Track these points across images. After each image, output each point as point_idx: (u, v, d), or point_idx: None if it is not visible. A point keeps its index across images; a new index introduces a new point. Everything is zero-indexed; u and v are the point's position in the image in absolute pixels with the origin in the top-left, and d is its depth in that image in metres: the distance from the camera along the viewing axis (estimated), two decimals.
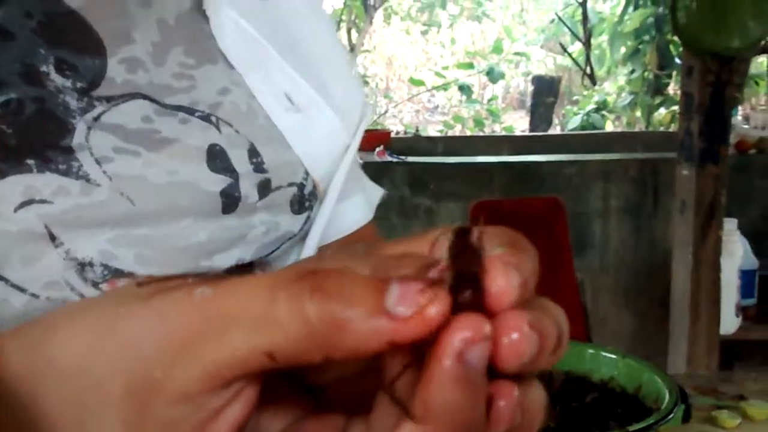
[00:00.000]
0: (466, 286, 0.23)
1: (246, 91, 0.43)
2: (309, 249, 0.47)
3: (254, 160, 0.42)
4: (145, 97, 0.38)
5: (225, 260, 0.41)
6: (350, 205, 0.52)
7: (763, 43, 4.23)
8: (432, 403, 0.21)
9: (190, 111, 0.40)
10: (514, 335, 0.21)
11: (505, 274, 0.22)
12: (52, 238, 0.35)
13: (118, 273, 0.37)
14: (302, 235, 0.47)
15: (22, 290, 0.35)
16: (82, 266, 0.36)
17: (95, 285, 0.36)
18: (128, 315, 0.23)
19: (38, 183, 0.35)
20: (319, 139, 0.46)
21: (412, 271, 0.23)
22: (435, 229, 0.25)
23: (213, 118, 0.40)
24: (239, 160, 0.41)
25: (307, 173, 0.45)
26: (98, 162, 0.36)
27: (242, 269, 0.43)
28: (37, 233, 0.35)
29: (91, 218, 0.36)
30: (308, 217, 0.46)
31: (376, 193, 0.56)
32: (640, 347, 2.91)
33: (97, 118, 0.37)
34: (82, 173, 0.36)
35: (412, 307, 0.21)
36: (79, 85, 0.37)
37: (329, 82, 0.48)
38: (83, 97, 0.37)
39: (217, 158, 0.40)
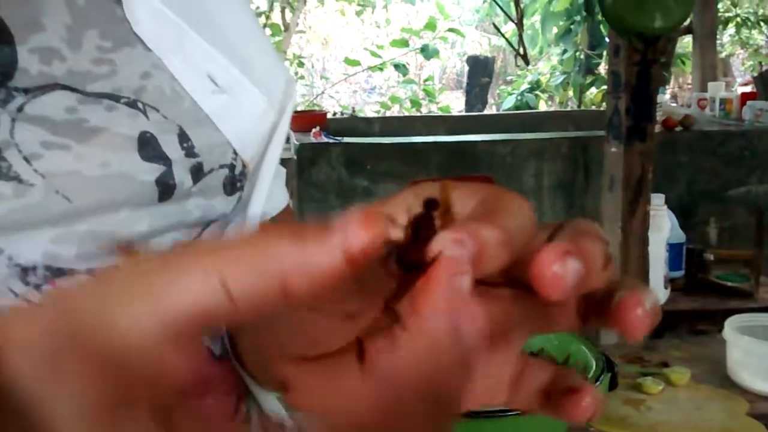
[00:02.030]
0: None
1: (168, 74, 0.42)
2: (251, 229, 0.47)
3: (185, 145, 0.41)
4: (64, 87, 0.37)
5: (162, 245, 0.41)
6: (275, 187, 0.52)
7: (687, 23, 4.36)
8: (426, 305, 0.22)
9: (114, 98, 0.39)
10: (556, 267, 0.23)
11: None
12: None
13: (59, 272, 0.36)
14: (233, 216, 0.46)
15: None
16: (25, 271, 0.35)
17: (37, 287, 0.36)
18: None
19: None
20: (245, 119, 0.46)
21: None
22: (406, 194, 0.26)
23: (139, 104, 0.39)
24: (170, 146, 0.40)
25: (236, 153, 0.45)
26: (27, 160, 0.35)
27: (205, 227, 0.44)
28: None
29: (28, 220, 0.35)
30: (239, 198, 0.46)
31: (282, 172, 0.56)
32: None
33: (20, 109, 0.35)
34: (13, 173, 0.34)
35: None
36: None
37: (250, 59, 0.47)
38: (0, 88, 0.35)
39: (148, 146, 0.39)
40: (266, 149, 0.48)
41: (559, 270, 0.23)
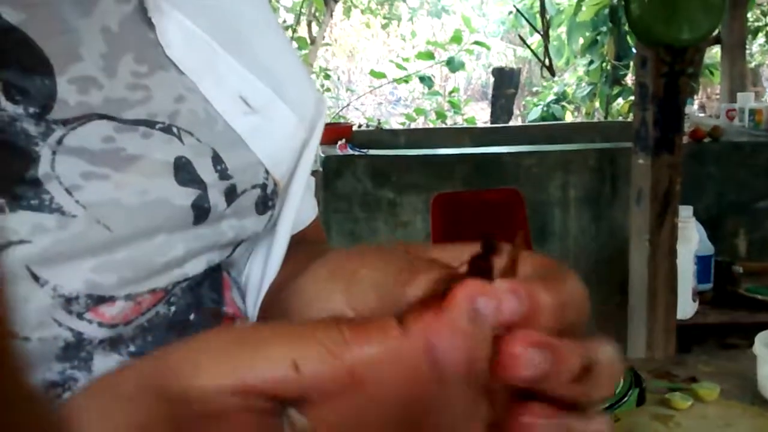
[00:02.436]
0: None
1: (201, 96, 0.42)
2: (280, 246, 0.48)
3: (218, 168, 0.41)
4: (101, 116, 0.37)
5: (197, 266, 0.42)
6: (304, 202, 0.53)
7: (715, 33, 4.31)
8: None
9: (150, 124, 0.39)
10: (518, 348, 0.24)
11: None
12: (36, 278, 0.35)
13: (100, 299, 0.37)
14: (264, 234, 0.47)
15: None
16: (69, 300, 0.36)
17: (80, 316, 0.36)
18: None
19: (13, 223, 0.34)
20: (277, 138, 0.46)
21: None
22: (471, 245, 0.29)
23: (174, 129, 0.40)
24: (205, 170, 0.41)
25: (267, 173, 0.45)
26: (68, 191, 0.35)
27: (213, 270, 0.44)
28: (20, 276, 0.34)
29: (71, 251, 0.35)
30: (271, 216, 0.46)
31: (312, 183, 0.56)
32: (601, 333, 2.96)
33: (60, 141, 0.36)
34: (55, 205, 0.35)
35: None
36: (31, 110, 0.35)
37: (281, 77, 0.47)
38: (40, 122, 0.36)
39: (183, 170, 0.39)
40: (296, 167, 0.48)
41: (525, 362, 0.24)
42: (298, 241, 0.50)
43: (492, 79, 7.00)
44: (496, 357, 0.24)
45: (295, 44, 6.02)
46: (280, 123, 0.46)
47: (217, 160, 0.41)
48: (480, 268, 0.25)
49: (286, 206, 0.48)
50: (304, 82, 0.51)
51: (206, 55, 0.43)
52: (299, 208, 0.49)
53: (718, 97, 6.16)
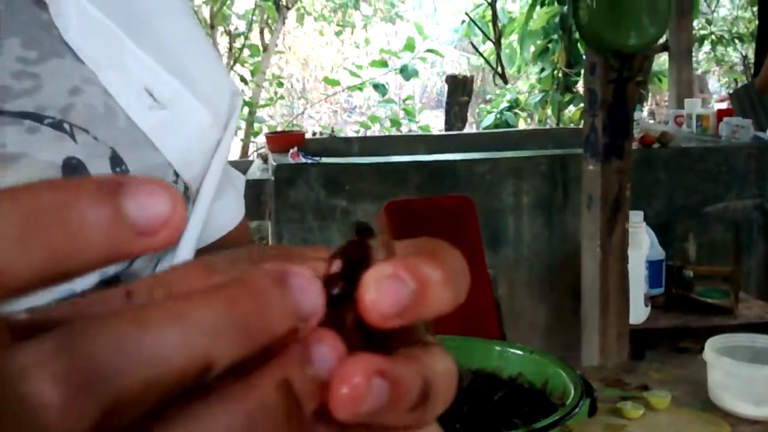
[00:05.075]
0: (339, 282, 0.20)
1: (101, 88, 0.38)
2: (184, 253, 0.43)
3: (118, 170, 0.37)
4: None
5: (87, 281, 0.37)
6: (223, 204, 0.48)
7: (663, 41, 4.38)
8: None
9: (37, 118, 0.34)
10: (348, 385, 0.18)
11: (380, 288, 0.19)
12: None
13: None
14: (162, 257, 0.43)
15: None
16: None
17: None
18: None
19: None
20: (187, 136, 0.42)
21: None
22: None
23: (66, 126, 0.35)
24: (101, 172, 0.36)
25: (177, 175, 0.41)
26: None
27: (109, 284, 0.40)
28: None
29: None
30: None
31: (240, 183, 0.52)
32: (555, 339, 2.97)
33: None
34: None
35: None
36: None
37: (192, 70, 0.43)
38: None
39: (75, 173, 0.35)
40: (208, 168, 0.44)
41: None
42: (219, 247, 0.46)
43: (446, 88, 7.03)
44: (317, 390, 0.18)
45: (246, 51, 5.97)
46: (191, 119, 0.42)
47: (116, 161, 0.37)
48: (355, 254, 0.21)
49: (195, 210, 0.43)
50: (217, 74, 0.46)
51: (108, 42, 0.39)
52: (216, 213, 0.45)
53: (666, 104, 6.28)
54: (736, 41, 8.27)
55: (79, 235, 0.15)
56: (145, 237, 0.15)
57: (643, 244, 2.36)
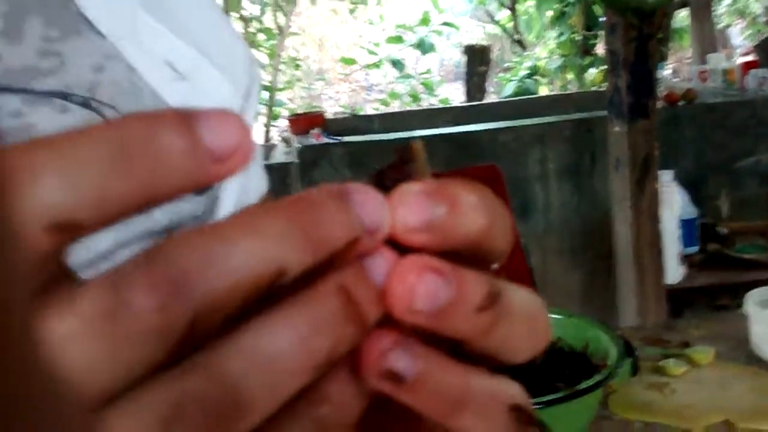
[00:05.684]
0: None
1: (124, 64, 0.37)
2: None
3: None
4: (4, 89, 0.32)
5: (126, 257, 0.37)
6: (248, 173, 0.47)
7: None
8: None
9: (66, 97, 0.34)
10: (410, 277, 0.18)
11: (406, 201, 0.19)
12: None
13: None
14: (204, 216, 0.42)
15: None
16: None
17: None
18: None
19: None
20: (211, 107, 0.41)
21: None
22: None
23: (93, 104, 0.35)
24: None
25: None
26: None
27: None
28: None
29: None
30: (211, 196, 0.42)
31: (259, 155, 0.51)
32: (591, 304, 2.96)
33: None
34: None
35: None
36: None
37: (207, 40, 0.42)
38: None
39: None
40: None
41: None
42: None
43: (464, 59, 6.97)
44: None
45: (262, 36, 5.96)
46: (213, 90, 0.41)
47: None
48: (393, 177, 0.21)
49: (228, 184, 0.43)
50: (233, 43, 0.46)
51: (126, 14, 0.38)
52: (244, 183, 0.45)
53: (689, 61, 6.17)
54: None
55: (164, 163, 0.16)
56: (221, 162, 0.17)
57: (674, 203, 2.33)
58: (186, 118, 0.16)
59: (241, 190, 0.44)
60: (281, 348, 0.17)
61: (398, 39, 6.46)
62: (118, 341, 0.15)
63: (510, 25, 6.32)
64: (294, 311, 0.17)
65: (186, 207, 0.40)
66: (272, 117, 5.57)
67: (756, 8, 8.76)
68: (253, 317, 0.17)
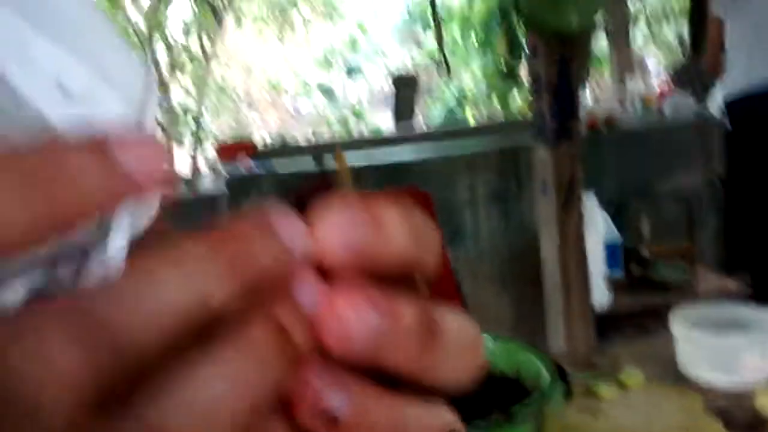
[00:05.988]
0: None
1: (6, 86, 0.34)
2: (117, 242, 0.39)
3: None
4: None
5: (13, 295, 0.33)
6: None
7: (600, 23, 4.43)
8: None
9: None
10: (343, 310, 0.18)
11: (328, 217, 0.19)
12: None
13: None
14: (95, 247, 0.38)
15: None
16: None
17: None
18: None
19: None
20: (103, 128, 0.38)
21: None
22: None
23: None
24: None
25: None
26: None
27: (38, 294, 0.37)
28: None
29: None
30: (102, 223, 0.38)
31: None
32: (522, 329, 2.98)
33: None
34: None
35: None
36: None
37: (101, 53, 0.39)
38: None
39: None
40: None
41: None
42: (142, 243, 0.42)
43: (391, 87, 7.04)
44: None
45: (188, 63, 5.88)
46: (108, 112, 0.38)
47: None
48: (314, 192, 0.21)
49: (120, 213, 0.39)
50: (126, 56, 0.43)
51: (10, 31, 0.35)
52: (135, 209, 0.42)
53: (607, 85, 6.37)
54: (670, 17, 8.43)
55: (77, 188, 0.16)
56: (135, 185, 0.16)
57: (599, 226, 2.38)
58: (101, 141, 0.16)
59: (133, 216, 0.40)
60: (217, 394, 0.16)
61: (327, 63, 6.48)
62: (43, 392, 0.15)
63: (436, 50, 6.42)
64: (228, 354, 0.17)
65: (73, 237, 0.36)
66: (199, 145, 5.50)
67: (670, 36, 9.14)
68: (191, 355, 0.16)
